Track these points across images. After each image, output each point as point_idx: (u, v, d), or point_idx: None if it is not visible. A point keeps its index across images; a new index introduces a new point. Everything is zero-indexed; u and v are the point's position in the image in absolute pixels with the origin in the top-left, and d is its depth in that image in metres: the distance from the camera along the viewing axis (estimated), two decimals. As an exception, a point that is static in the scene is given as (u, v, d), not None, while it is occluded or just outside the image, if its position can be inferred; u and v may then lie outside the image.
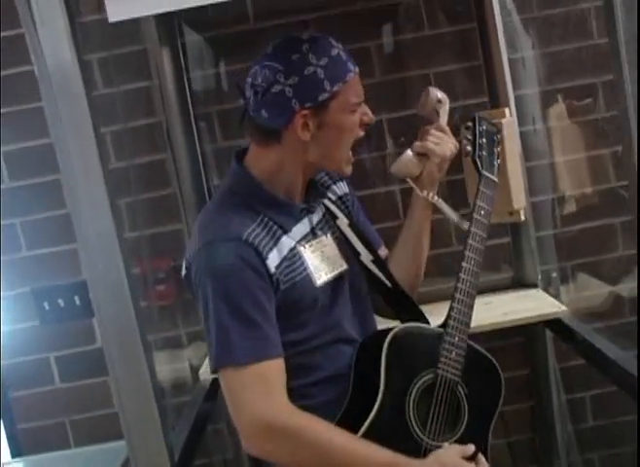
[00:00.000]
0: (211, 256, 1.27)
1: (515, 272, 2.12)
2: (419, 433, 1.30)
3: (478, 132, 1.49)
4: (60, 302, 2.04)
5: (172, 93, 2.03)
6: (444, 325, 1.36)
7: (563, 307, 1.85)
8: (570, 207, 2.10)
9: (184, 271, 1.33)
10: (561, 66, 2.02)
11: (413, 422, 1.30)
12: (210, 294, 1.25)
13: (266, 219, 1.33)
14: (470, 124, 1.50)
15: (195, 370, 1.95)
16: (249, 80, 1.32)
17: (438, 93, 1.53)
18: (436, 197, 1.46)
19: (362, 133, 1.37)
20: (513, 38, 2.00)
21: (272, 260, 1.29)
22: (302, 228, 1.38)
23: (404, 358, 1.33)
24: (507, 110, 1.92)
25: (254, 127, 1.34)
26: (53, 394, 2.09)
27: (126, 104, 2.02)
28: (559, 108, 2.05)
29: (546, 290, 2.05)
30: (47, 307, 2.04)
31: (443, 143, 1.44)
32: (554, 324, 1.85)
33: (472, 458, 1.27)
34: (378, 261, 1.45)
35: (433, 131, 1.46)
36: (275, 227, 1.33)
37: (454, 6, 2.05)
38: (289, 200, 1.37)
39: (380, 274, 1.44)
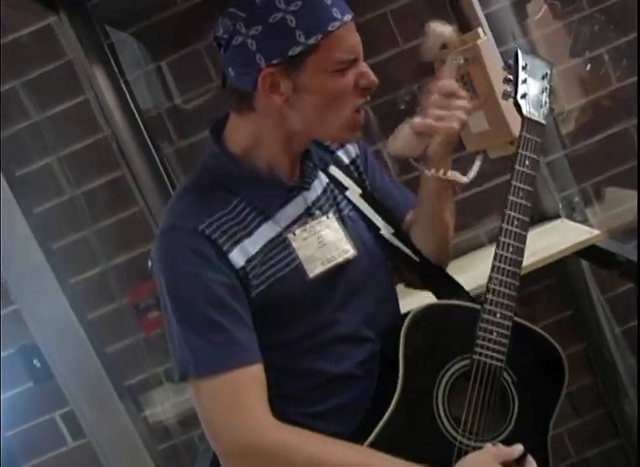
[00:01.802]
0: (162, 247, 1.07)
1: (532, 207, 1.90)
2: (451, 432, 1.08)
3: (521, 68, 1.26)
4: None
5: (112, 102, 1.82)
6: (481, 299, 1.12)
7: (596, 231, 1.63)
8: (575, 121, 1.87)
9: (150, 263, 1.13)
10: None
11: (444, 419, 1.08)
12: (165, 292, 1.07)
13: (242, 204, 1.11)
14: (510, 61, 1.27)
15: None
16: (214, 32, 1.10)
17: (444, 31, 1.30)
18: (449, 173, 1.19)
19: (361, 101, 1.11)
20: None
21: (239, 253, 1.07)
22: (291, 210, 1.15)
23: (428, 344, 1.11)
24: (479, 30, 1.71)
25: (228, 91, 1.12)
26: (69, 456, 1.90)
27: (66, 125, 1.82)
28: (539, 13, 1.82)
29: (570, 218, 1.85)
30: (38, 365, 1.85)
31: (448, 115, 1.18)
32: (590, 252, 1.63)
33: (519, 461, 1.04)
34: (400, 234, 1.23)
35: (435, 99, 1.18)
36: (254, 213, 1.11)
37: None
38: (274, 178, 1.14)
39: (406, 248, 1.22)
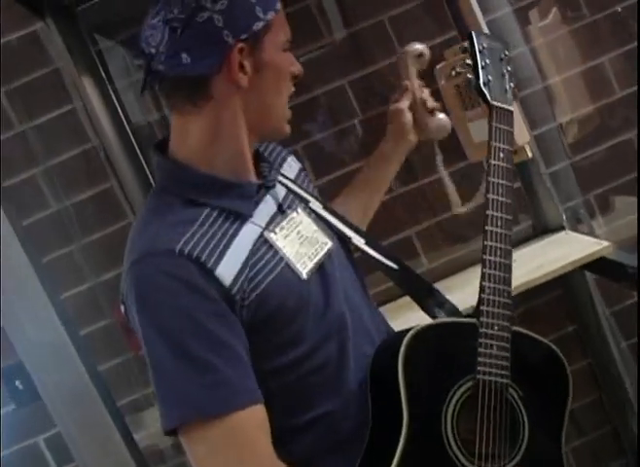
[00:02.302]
0: (138, 279, 0.96)
1: (534, 219, 1.85)
2: (465, 462, 1.00)
3: (478, 53, 1.16)
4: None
5: (101, 111, 1.74)
6: (475, 313, 1.06)
7: (604, 243, 1.58)
8: (578, 131, 1.83)
9: (122, 308, 1.03)
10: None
11: (455, 449, 1.00)
12: (145, 331, 0.95)
13: (214, 213, 1.02)
14: (465, 44, 1.18)
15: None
16: (156, 20, 1.00)
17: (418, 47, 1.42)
18: None
19: (292, 89, 1.10)
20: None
21: (226, 267, 0.97)
22: (266, 208, 1.08)
23: (429, 369, 1.04)
24: (481, 37, 1.67)
25: (170, 88, 1.03)
26: (53, 482, 1.81)
27: (51, 135, 1.74)
28: (542, 21, 1.77)
29: (575, 229, 1.79)
30: (20, 387, 1.76)
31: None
32: (599, 264, 1.58)
33: None
34: (373, 243, 1.17)
35: None
36: (230, 219, 1.02)
37: None
38: (237, 178, 1.06)
39: (380, 257, 1.16)
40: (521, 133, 1.67)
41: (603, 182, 1.82)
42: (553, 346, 1.12)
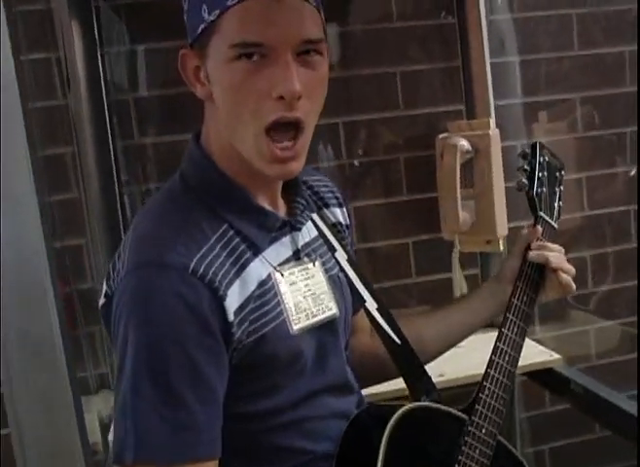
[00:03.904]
0: (140, 288, 0.84)
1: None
2: None
3: (538, 163, 1.16)
4: None
5: (81, 71, 1.58)
6: (468, 409, 1.03)
7: (555, 355, 1.58)
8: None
9: (102, 300, 0.91)
10: (552, 76, 1.77)
11: None
12: (129, 345, 0.84)
13: (231, 231, 0.91)
14: (527, 150, 1.17)
15: (105, 427, 1.49)
16: None
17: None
18: None
19: (279, 114, 0.85)
20: (498, 39, 1.73)
21: (233, 298, 0.87)
22: (280, 249, 0.97)
23: (408, 456, 0.97)
24: (491, 121, 1.66)
25: None
26: None
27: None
28: (548, 123, 1.79)
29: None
30: None
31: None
32: (542, 374, 1.57)
33: None
34: (384, 310, 1.08)
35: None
36: (244, 245, 0.91)
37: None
38: (260, 205, 0.95)
39: (388, 327, 1.08)
40: (502, 226, 1.67)
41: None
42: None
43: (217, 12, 0.85)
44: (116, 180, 1.64)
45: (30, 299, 0.70)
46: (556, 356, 1.57)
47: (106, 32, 1.62)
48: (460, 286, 1.70)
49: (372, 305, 1.07)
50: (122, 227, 1.63)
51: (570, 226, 1.82)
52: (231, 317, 0.86)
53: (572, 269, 1.14)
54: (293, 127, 0.87)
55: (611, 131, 1.83)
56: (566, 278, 1.12)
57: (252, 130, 0.87)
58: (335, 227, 1.12)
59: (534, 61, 1.78)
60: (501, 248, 1.68)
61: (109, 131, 1.61)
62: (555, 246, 1.14)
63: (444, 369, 1.47)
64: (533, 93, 1.78)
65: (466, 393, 1.41)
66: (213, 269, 0.86)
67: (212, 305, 0.85)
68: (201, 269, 0.85)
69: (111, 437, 1.39)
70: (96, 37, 1.59)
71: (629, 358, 1.87)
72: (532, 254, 1.13)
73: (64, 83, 1.58)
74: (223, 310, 0.86)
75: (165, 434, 0.83)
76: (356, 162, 1.77)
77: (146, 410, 0.83)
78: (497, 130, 1.63)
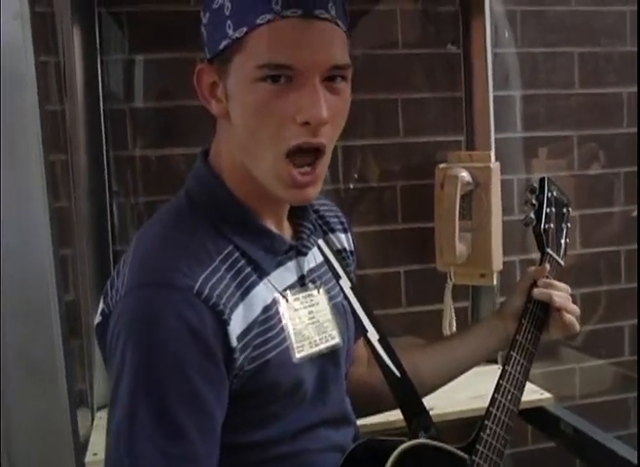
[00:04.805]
0: (141, 309, 0.81)
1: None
2: None
3: (546, 199, 1.16)
4: None
5: (80, 77, 1.54)
6: (468, 448, 1.00)
7: (546, 394, 1.56)
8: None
9: (98, 318, 0.87)
10: (551, 112, 1.78)
11: None
12: (126, 368, 0.80)
13: (236, 254, 0.88)
14: (535, 185, 1.17)
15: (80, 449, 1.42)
16: None
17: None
18: None
19: (302, 139, 0.83)
20: (503, 72, 1.73)
21: (236, 322, 0.83)
22: (286, 274, 0.93)
23: None
24: (492, 154, 1.66)
25: None
26: None
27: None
28: (541, 159, 1.79)
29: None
30: None
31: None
32: (530, 413, 1.55)
33: None
34: (385, 342, 1.05)
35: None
36: (249, 267, 0.88)
37: (436, 24, 1.74)
38: (267, 227, 0.92)
39: (388, 359, 1.04)
40: (498, 260, 1.66)
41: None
42: None
43: (244, 29, 0.82)
44: (107, 191, 1.60)
45: (32, 311, 0.65)
46: (547, 395, 1.55)
47: (106, 40, 1.59)
48: (449, 319, 1.68)
49: (373, 335, 1.04)
50: (110, 239, 1.59)
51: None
52: (234, 343, 0.83)
53: (576, 310, 1.12)
54: (313, 152, 0.85)
55: (608, 171, 1.83)
56: (569, 318, 1.11)
57: (272, 154, 0.85)
58: (339, 253, 1.09)
59: (535, 97, 1.78)
60: (494, 282, 1.67)
61: (104, 140, 1.58)
62: (562, 285, 1.13)
63: (434, 402, 1.43)
64: (532, 128, 1.78)
65: (454, 427, 1.41)
66: (218, 291, 0.82)
67: (216, 329, 0.81)
68: (206, 291, 0.81)
69: (88, 458, 1.34)
70: (97, 44, 1.56)
71: (617, 398, 1.86)
72: (536, 291, 1.11)
73: (62, 88, 1.55)
74: (226, 335, 0.82)
75: (161, 464, 0.78)
76: (351, 186, 1.75)
77: (141, 437, 0.78)
78: (498, 163, 1.63)
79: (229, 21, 0.83)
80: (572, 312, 1.11)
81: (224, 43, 0.84)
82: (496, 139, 1.72)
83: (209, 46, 0.87)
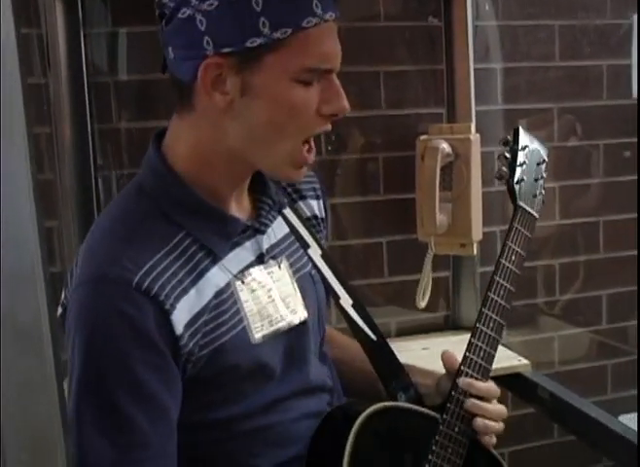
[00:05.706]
0: (83, 306, 0.85)
1: (452, 312, 1.85)
2: None
3: (520, 150, 1.11)
4: None
5: (63, 50, 1.55)
6: (440, 408, 1.02)
7: (524, 360, 1.60)
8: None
9: (59, 309, 0.91)
10: (532, 85, 1.80)
11: None
12: (75, 363, 0.84)
13: (188, 240, 0.89)
14: (509, 137, 1.12)
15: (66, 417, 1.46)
16: None
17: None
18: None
19: (323, 128, 0.89)
20: (483, 45, 1.75)
21: (182, 310, 0.85)
22: (242, 254, 0.94)
23: (377, 454, 0.98)
24: (472, 126, 1.68)
25: (170, 80, 0.91)
26: None
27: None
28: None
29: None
30: None
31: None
32: (509, 379, 1.59)
33: None
34: (359, 306, 1.07)
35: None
36: (201, 253, 0.90)
37: (418, -3, 1.75)
38: (222, 211, 0.92)
39: (363, 324, 1.08)
40: (477, 230, 1.68)
41: (531, 295, 1.87)
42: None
43: (288, 31, 0.83)
44: (92, 163, 1.61)
45: (18, 280, 0.67)
46: (525, 362, 1.60)
47: (89, 12, 1.59)
48: (424, 289, 1.70)
49: (346, 301, 1.06)
50: (95, 212, 1.61)
51: (543, 234, 1.85)
52: (179, 330, 0.85)
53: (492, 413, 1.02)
54: None
55: (587, 143, 1.86)
56: (480, 424, 1.00)
57: (292, 142, 0.89)
58: (309, 221, 1.10)
59: (515, 69, 1.80)
60: (474, 252, 1.70)
61: (88, 113, 1.59)
62: (485, 387, 1.02)
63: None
64: (512, 101, 1.80)
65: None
66: (160, 282, 0.85)
67: (158, 320, 0.84)
68: (146, 284, 0.84)
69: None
70: (80, 17, 1.56)
71: (595, 365, 1.91)
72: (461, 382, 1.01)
73: (45, 61, 1.55)
74: (168, 324, 0.84)
75: (109, 457, 0.82)
76: (334, 157, 1.77)
77: (88, 430, 0.82)
78: (478, 135, 1.65)
79: (262, 19, 0.82)
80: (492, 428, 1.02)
81: (256, 40, 0.83)
82: (477, 111, 1.74)
83: (220, 37, 0.84)
